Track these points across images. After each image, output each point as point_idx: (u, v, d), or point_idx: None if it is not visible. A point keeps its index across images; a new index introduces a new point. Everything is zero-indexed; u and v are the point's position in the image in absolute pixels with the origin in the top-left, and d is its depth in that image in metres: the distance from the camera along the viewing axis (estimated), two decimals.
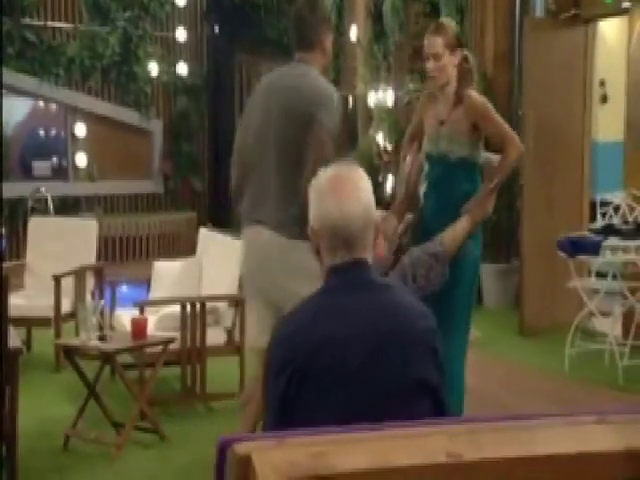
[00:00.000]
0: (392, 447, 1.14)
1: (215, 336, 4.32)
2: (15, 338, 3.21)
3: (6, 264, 5.15)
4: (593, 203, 5.85)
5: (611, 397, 4.31)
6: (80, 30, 9.59)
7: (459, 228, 3.18)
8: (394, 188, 7.98)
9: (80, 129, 9.65)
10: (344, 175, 1.68)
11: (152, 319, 4.18)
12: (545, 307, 5.34)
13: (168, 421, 3.95)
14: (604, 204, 5.40)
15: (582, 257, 4.80)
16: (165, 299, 4.48)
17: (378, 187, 8.24)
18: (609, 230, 4.75)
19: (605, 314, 5.09)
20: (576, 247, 4.70)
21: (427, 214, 3.24)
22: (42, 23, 9.32)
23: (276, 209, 2.82)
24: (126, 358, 4.12)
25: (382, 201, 8.01)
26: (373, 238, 1.69)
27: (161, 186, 10.25)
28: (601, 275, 5.20)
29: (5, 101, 8.15)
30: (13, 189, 8.37)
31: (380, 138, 8.19)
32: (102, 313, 3.79)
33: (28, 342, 5.20)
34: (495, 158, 3.30)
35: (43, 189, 8.90)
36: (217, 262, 4.63)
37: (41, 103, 9.60)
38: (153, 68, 9.98)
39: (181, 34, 10.22)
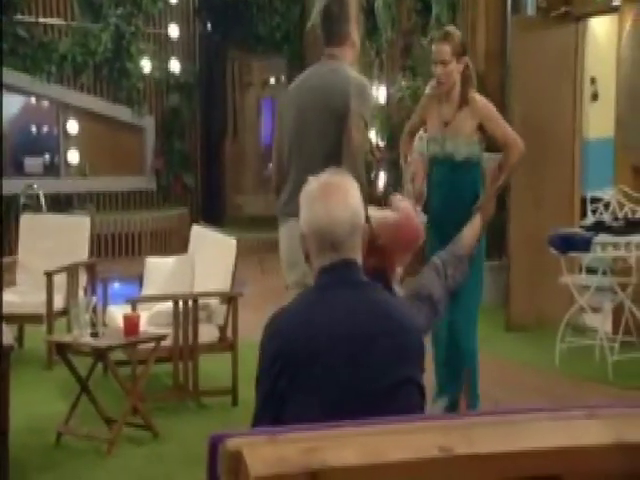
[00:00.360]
0: (384, 442, 1.15)
1: (207, 333, 4.32)
2: (7, 335, 3.21)
3: None
4: (584, 200, 5.88)
5: (601, 392, 4.34)
6: (72, 27, 9.56)
7: (475, 227, 3.32)
8: (386, 185, 8.00)
9: (72, 126, 9.62)
10: (334, 183, 1.74)
11: (144, 316, 4.18)
12: (533, 303, 5.37)
13: (160, 417, 3.95)
14: (595, 201, 5.43)
15: (573, 254, 4.82)
16: (157, 296, 4.48)
17: (370, 184, 8.26)
18: (599, 227, 4.78)
19: (595, 310, 5.13)
20: (567, 243, 4.72)
21: (433, 212, 3.31)
22: (34, 19, 9.28)
23: None
24: (118, 355, 4.12)
25: (374, 198, 8.03)
26: (362, 242, 1.74)
27: (153, 183, 10.23)
28: (591, 271, 5.23)
29: None
30: (5, 186, 8.33)
31: (372, 135, 8.20)
32: (94, 310, 3.79)
33: (20, 339, 5.19)
34: (495, 158, 3.34)
35: (35, 186, 8.87)
36: (209, 259, 4.63)
37: (33, 100, 9.56)
38: (145, 65, 9.95)
39: (173, 31, 10.20)
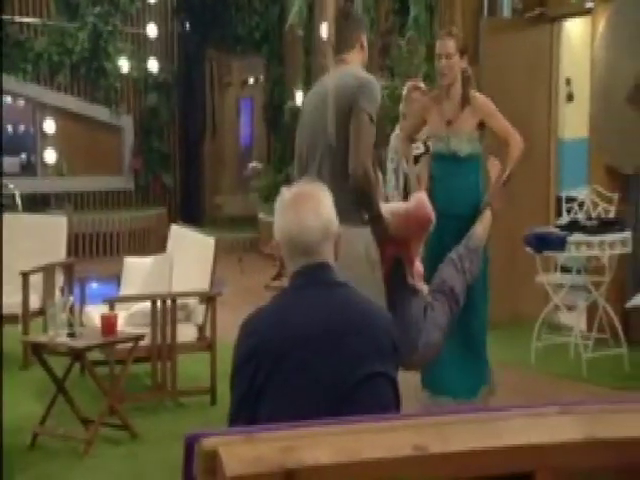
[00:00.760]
0: (359, 441, 1.16)
1: (186, 332, 4.32)
2: None
3: None
4: (559, 199, 5.94)
5: (576, 389, 4.40)
6: (48, 25, 9.47)
7: (485, 221, 3.53)
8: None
9: (49, 125, 9.53)
10: (306, 192, 1.81)
11: (122, 316, 4.16)
12: (509, 302, 5.42)
13: (138, 417, 3.94)
14: (569, 200, 5.50)
15: (548, 253, 4.88)
16: (135, 295, 4.47)
17: None
18: (574, 226, 4.84)
19: (570, 308, 5.19)
20: (542, 243, 4.78)
21: (437, 205, 3.38)
22: (9, 18, 9.18)
23: (335, 200, 2.91)
24: (96, 355, 4.10)
25: None
26: (335, 248, 1.80)
27: (131, 182, 10.18)
28: (566, 270, 5.29)
29: None
30: None
31: None
32: (71, 310, 3.77)
33: None
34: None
35: (11, 186, 8.77)
36: (188, 258, 4.62)
37: (9, 99, 9.46)
38: (123, 64, 9.90)
39: (152, 30, 10.15)
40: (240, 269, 8.11)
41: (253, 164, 9.71)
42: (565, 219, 5.20)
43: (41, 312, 4.89)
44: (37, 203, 9.12)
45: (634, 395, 3.98)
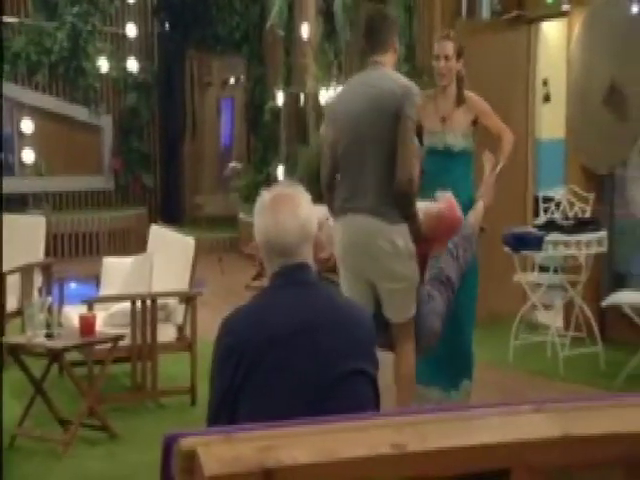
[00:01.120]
0: (337, 440, 1.17)
1: (166, 332, 4.31)
2: None
3: None
4: (537, 199, 6.00)
5: (553, 386, 4.45)
6: (26, 24, 9.38)
7: (478, 212, 3.67)
8: None
9: (27, 125, 9.44)
10: (285, 194, 1.82)
11: (101, 316, 4.14)
12: (487, 301, 5.45)
13: (118, 418, 3.93)
14: (546, 200, 5.55)
15: (526, 252, 4.93)
16: (115, 296, 4.45)
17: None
18: (551, 226, 4.89)
19: (547, 307, 5.25)
20: (520, 242, 4.82)
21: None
22: None
23: (377, 198, 3.18)
24: (74, 355, 4.07)
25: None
26: (314, 250, 1.83)
27: (111, 182, 10.12)
28: (543, 269, 5.35)
29: None
30: None
31: None
32: (49, 310, 3.75)
33: None
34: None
35: None
36: (168, 259, 4.61)
37: None
38: (103, 64, 9.83)
39: (131, 30, 10.08)
40: (220, 269, 8.09)
41: (233, 164, 9.69)
42: (542, 219, 5.25)
43: (19, 313, 4.84)
44: (15, 203, 9.02)
45: (608, 393, 4.03)
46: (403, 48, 6.85)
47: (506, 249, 4.89)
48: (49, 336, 3.65)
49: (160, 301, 4.25)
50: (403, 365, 3.29)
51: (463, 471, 1.17)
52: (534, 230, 4.91)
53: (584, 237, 4.77)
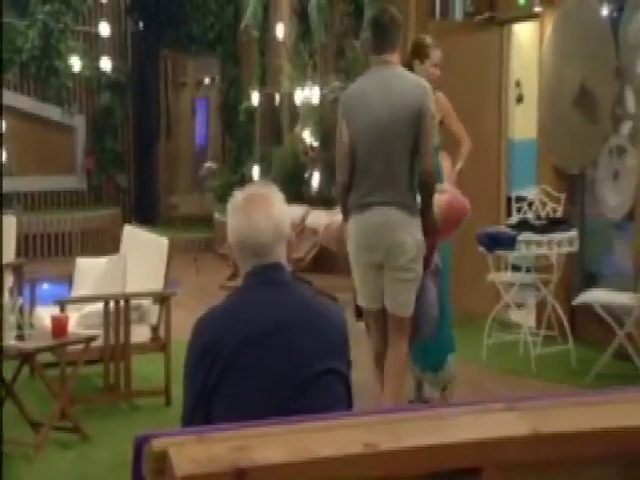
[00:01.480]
0: (311, 439, 1.17)
1: (140, 333, 4.28)
2: None
3: None
4: (510, 199, 6.05)
5: (525, 384, 4.50)
6: None
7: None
8: (320, 184, 8.06)
9: None
10: (258, 194, 1.82)
11: (74, 317, 4.10)
12: (461, 300, 5.49)
13: (91, 419, 3.89)
14: (519, 200, 5.61)
15: (499, 251, 4.98)
16: (87, 296, 4.41)
17: (304, 183, 8.29)
18: (523, 225, 4.94)
19: (520, 306, 5.30)
20: (494, 242, 4.87)
21: None
22: None
23: (402, 191, 3.35)
24: (47, 357, 4.03)
25: (308, 197, 8.08)
26: (287, 250, 1.83)
27: (84, 182, 10.03)
28: (516, 268, 5.41)
29: None
30: None
31: (306, 135, 8.23)
32: (21, 311, 3.70)
33: None
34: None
35: None
36: (142, 259, 4.58)
37: None
38: (75, 63, 9.73)
39: (104, 29, 9.99)
40: (195, 269, 8.05)
41: (208, 164, 9.65)
42: (515, 219, 5.30)
43: None
44: None
45: (579, 390, 4.09)
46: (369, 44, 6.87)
47: (480, 249, 4.93)
48: (20, 337, 3.61)
49: (134, 301, 4.23)
50: (398, 354, 3.44)
51: (435, 470, 1.18)
52: (507, 230, 4.95)
53: (556, 237, 4.83)
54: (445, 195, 3.58)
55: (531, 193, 5.49)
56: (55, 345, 3.74)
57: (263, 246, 1.77)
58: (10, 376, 3.74)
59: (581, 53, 5.18)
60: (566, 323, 4.94)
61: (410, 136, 3.32)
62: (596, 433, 1.19)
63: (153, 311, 4.38)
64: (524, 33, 6.56)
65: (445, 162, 4.04)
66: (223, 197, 8.75)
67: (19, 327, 3.63)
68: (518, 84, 6.85)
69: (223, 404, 1.69)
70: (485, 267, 5.12)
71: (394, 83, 3.36)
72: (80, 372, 3.85)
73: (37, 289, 4.89)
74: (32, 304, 4.65)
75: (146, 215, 9.79)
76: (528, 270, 5.16)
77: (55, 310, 4.03)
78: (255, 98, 9.29)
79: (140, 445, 1.21)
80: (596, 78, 5.08)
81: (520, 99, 6.96)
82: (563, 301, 5.06)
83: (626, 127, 5.04)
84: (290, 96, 8.50)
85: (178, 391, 2.10)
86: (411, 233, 3.35)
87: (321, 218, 7.05)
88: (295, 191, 7.98)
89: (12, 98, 9.37)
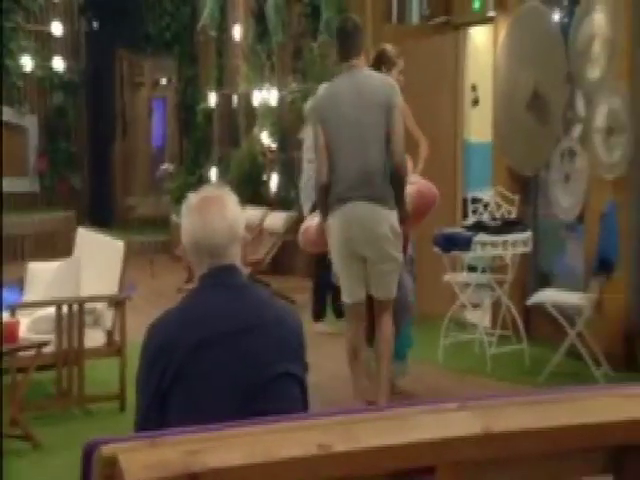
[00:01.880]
0: (264, 442, 1.17)
1: (94, 337, 4.22)
2: None
3: None
4: (466, 200, 6.13)
5: (480, 384, 4.55)
6: None
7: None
8: (278, 185, 8.04)
9: None
10: (212, 196, 1.83)
11: (25, 322, 4.01)
12: (418, 300, 5.53)
13: (43, 426, 3.81)
14: (475, 201, 5.68)
15: (455, 252, 5.03)
16: (39, 301, 4.31)
17: (262, 185, 8.26)
18: (479, 226, 5.00)
19: (476, 306, 5.37)
20: (450, 243, 4.92)
21: None
22: None
23: (379, 186, 3.57)
24: None
25: (266, 199, 8.06)
26: (242, 253, 1.84)
27: (36, 184, 9.82)
28: (472, 269, 5.47)
29: None
30: None
31: (264, 137, 8.21)
32: None
33: None
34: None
35: None
36: (96, 262, 4.51)
37: None
38: (26, 63, 9.53)
39: (57, 28, 9.81)
40: (151, 272, 7.95)
41: (165, 165, 9.56)
42: (471, 220, 5.37)
43: None
44: None
45: (533, 389, 4.16)
46: (335, 51, 6.90)
47: (436, 250, 4.98)
48: None
49: (88, 306, 4.16)
50: (386, 335, 3.73)
51: (389, 470, 1.18)
52: (463, 231, 5.01)
53: (510, 237, 4.90)
54: (414, 185, 3.79)
55: (486, 195, 5.56)
56: (5, 352, 3.65)
57: (218, 247, 1.76)
58: None
59: (533, 58, 5.27)
60: (520, 323, 5.01)
61: (382, 132, 3.55)
62: (547, 431, 1.21)
63: (108, 315, 4.32)
64: (480, 37, 6.65)
65: (407, 163, 4.11)
66: (180, 199, 8.64)
67: None
68: (474, 87, 6.94)
69: (177, 408, 1.68)
70: (441, 268, 5.17)
71: (363, 83, 3.61)
72: (31, 378, 3.76)
73: None
74: None
75: (101, 217, 9.64)
76: (484, 270, 5.22)
77: (6, 316, 3.93)
78: (212, 99, 9.23)
79: (90, 452, 1.18)
80: (548, 83, 5.18)
81: (476, 102, 7.05)
82: (517, 301, 5.14)
83: (576, 130, 5.16)
84: (248, 97, 8.47)
85: (133, 396, 2.08)
86: (390, 224, 3.57)
87: (279, 219, 7.06)
88: (253, 193, 7.95)
89: None
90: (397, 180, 3.58)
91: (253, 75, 8.29)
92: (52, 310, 4.06)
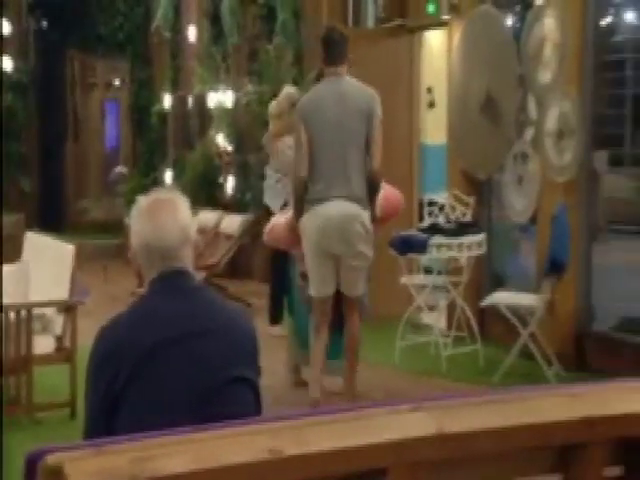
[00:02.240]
0: (215, 447, 1.15)
1: (43, 344, 4.13)
2: None
3: None
4: (422, 203, 6.16)
5: (436, 385, 4.58)
6: None
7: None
8: (234, 188, 7.99)
9: None
10: (163, 199, 1.81)
11: None
12: (374, 303, 5.55)
13: None
14: (431, 204, 5.72)
15: (411, 255, 5.06)
16: None
17: (218, 188, 8.20)
18: (434, 229, 5.05)
19: (432, 308, 5.41)
20: (406, 245, 4.95)
21: None
22: None
23: (356, 186, 3.77)
24: None
25: (222, 202, 7.99)
26: (193, 255, 1.81)
27: None
28: (428, 271, 5.51)
29: None
30: None
31: (220, 139, 8.15)
32: None
33: None
34: None
35: None
36: (46, 267, 4.41)
37: None
38: None
39: (4, 27, 9.57)
40: (104, 276, 7.81)
41: (119, 168, 9.42)
42: (427, 222, 5.41)
43: None
44: None
45: (488, 389, 4.20)
46: (292, 53, 6.90)
47: (392, 252, 5.00)
48: None
49: (37, 311, 4.06)
50: (354, 331, 3.93)
51: (342, 473, 1.16)
52: (419, 233, 5.04)
53: (465, 240, 4.95)
54: (382, 191, 3.95)
55: (442, 197, 5.61)
56: None
57: (169, 250, 1.74)
58: None
59: (487, 61, 5.34)
60: (474, 324, 5.07)
61: (362, 137, 3.76)
62: (498, 431, 1.21)
63: (58, 321, 4.22)
64: (435, 40, 6.71)
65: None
66: (134, 202, 8.52)
67: None
68: (430, 90, 7.00)
69: (128, 415, 1.65)
70: (398, 270, 5.19)
71: (347, 90, 3.81)
72: None
73: None
74: None
75: (52, 221, 9.44)
76: (439, 273, 5.26)
77: None
78: (167, 101, 9.13)
79: (33, 462, 1.14)
80: (501, 86, 5.25)
81: (432, 105, 7.11)
82: (472, 302, 5.18)
83: (529, 134, 5.24)
84: (203, 99, 8.40)
85: (84, 403, 2.03)
86: (364, 224, 3.77)
87: (235, 222, 7.00)
88: (209, 196, 7.88)
89: None
90: (373, 184, 3.77)
91: (208, 77, 8.22)
92: None
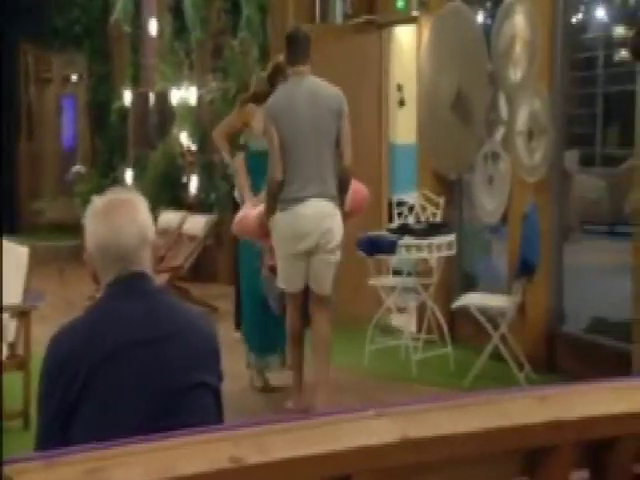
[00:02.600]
0: (173, 456, 1.11)
1: None
2: None
3: None
4: (391, 203, 6.06)
5: (405, 389, 4.50)
6: None
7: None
8: (198, 188, 7.81)
9: None
10: (120, 199, 1.77)
11: None
12: (343, 305, 5.43)
13: None
14: (400, 204, 5.62)
15: (380, 256, 4.95)
16: None
17: (181, 188, 8.02)
18: (404, 229, 4.96)
19: (402, 309, 5.31)
20: (374, 246, 4.85)
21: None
22: None
23: (331, 185, 3.85)
24: None
25: (186, 202, 7.81)
26: (151, 257, 1.77)
27: None
28: (397, 272, 5.40)
29: None
30: None
31: (184, 137, 7.97)
32: None
33: None
34: None
35: None
36: None
37: None
38: None
39: None
40: (60, 280, 7.56)
41: (76, 167, 9.18)
42: (396, 223, 5.31)
43: None
44: None
45: (459, 392, 4.11)
46: (257, 49, 6.76)
47: (360, 253, 4.88)
48: None
49: None
50: (323, 330, 3.94)
51: None
52: (388, 234, 4.94)
53: (435, 240, 4.87)
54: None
55: (412, 197, 5.52)
56: None
57: (127, 251, 1.69)
58: None
59: (456, 59, 5.26)
60: (445, 326, 4.98)
61: (333, 137, 3.84)
62: (464, 435, 1.19)
63: (10, 327, 4.05)
64: (404, 37, 6.62)
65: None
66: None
67: None
68: (400, 88, 6.91)
69: (83, 425, 1.58)
70: (366, 271, 5.08)
71: (317, 90, 3.88)
72: None
73: None
74: None
75: (6, 222, 9.12)
76: (409, 274, 5.16)
77: None
78: (127, 97, 8.91)
79: None
80: (471, 84, 5.18)
81: (402, 103, 7.02)
82: (442, 304, 5.10)
83: (499, 133, 5.17)
84: (165, 96, 8.21)
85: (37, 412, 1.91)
86: (337, 221, 3.87)
87: (199, 223, 6.82)
88: (171, 196, 7.72)
89: None
90: (344, 182, 3.87)
91: (171, 73, 8.05)
92: None
